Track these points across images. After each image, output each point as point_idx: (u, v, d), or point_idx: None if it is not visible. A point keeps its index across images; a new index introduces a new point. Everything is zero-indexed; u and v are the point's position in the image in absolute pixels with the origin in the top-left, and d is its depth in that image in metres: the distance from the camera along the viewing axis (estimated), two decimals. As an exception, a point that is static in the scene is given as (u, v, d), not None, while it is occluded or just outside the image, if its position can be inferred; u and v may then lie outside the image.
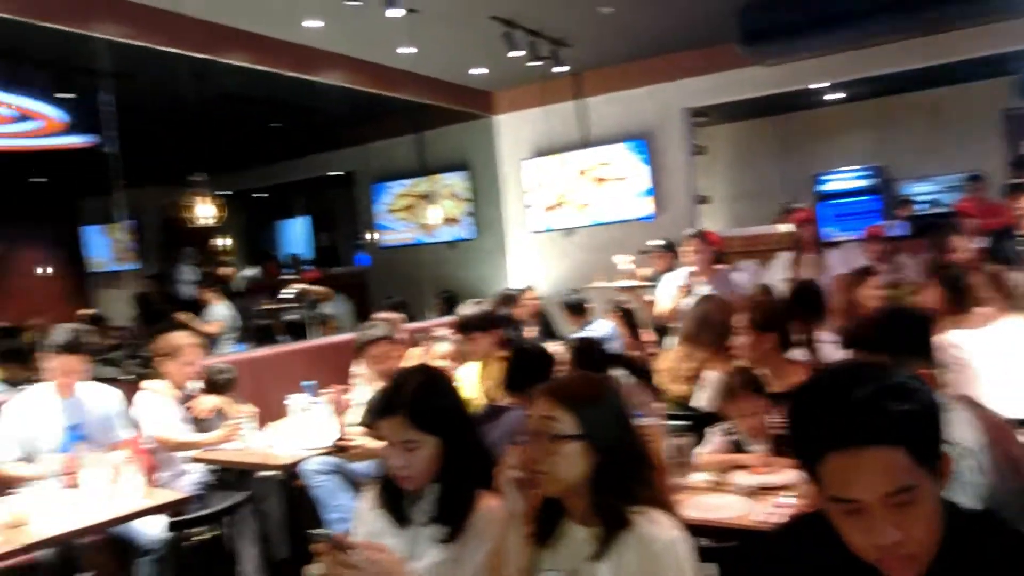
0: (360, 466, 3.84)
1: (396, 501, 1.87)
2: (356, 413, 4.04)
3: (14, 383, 4.60)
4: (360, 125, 9.02)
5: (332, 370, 5.04)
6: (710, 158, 9.15)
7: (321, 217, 13.61)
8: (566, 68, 6.94)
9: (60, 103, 6.79)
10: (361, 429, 3.82)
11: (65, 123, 7.15)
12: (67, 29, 4.59)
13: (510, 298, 6.35)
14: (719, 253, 5.61)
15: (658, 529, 1.57)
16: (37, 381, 3.93)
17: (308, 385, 4.36)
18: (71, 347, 3.65)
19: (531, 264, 8.47)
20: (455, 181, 8.89)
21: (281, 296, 7.78)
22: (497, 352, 4.20)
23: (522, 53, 6.20)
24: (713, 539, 2.38)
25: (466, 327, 4.26)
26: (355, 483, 3.86)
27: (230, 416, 4.25)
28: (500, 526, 1.72)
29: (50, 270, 12.50)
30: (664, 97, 7.74)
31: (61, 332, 3.72)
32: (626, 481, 1.61)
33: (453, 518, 1.79)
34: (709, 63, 7.35)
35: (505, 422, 2.76)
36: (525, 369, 3.12)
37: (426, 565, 1.77)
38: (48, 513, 3.03)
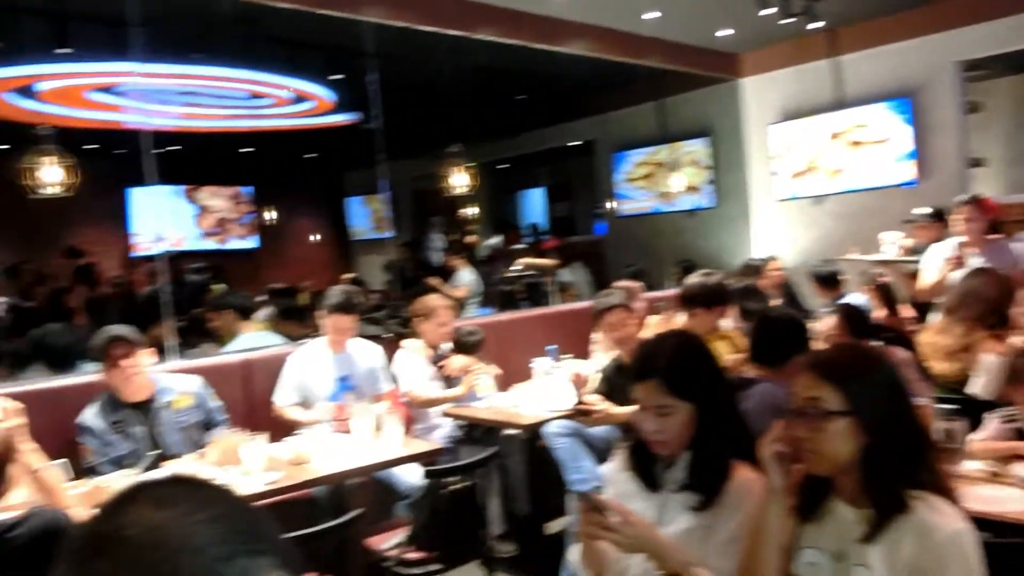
0: (598, 431, 3.89)
1: (647, 465, 1.87)
2: (594, 379, 4.09)
3: (293, 338, 5.11)
4: (601, 94, 9.03)
5: (571, 336, 5.14)
6: (985, 116, 8.17)
7: (559, 187, 13.84)
8: (820, 24, 6.48)
9: (330, 84, 7.40)
10: (597, 397, 3.86)
11: (333, 103, 7.79)
12: (338, 15, 4.98)
13: (753, 268, 6.11)
14: (995, 222, 5.01)
15: (940, 518, 1.44)
16: (312, 337, 4.37)
17: (551, 349, 4.48)
18: (344, 307, 4.02)
19: (776, 233, 8.08)
20: (696, 148, 8.66)
21: (510, 272, 8.03)
22: (723, 329, 4.05)
23: (773, 11, 5.87)
24: (992, 534, 2.15)
25: (688, 301, 4.08)
26: (593, 447, 3.92)
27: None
28: (756, 498, 1.67)
29: (319, 238, 13.79)
30: (932, 50, 7.00)
31: (335, 293, 4.10)
32: (902, 462, 1.49)
33: (706, 486, 1.76)
34: (986, 9, 6.54)
35: (754, 395, 2.66)
36: (772, 339, 2.95)
37: (676, 531, 1.76)
38: (323, 454, 3.37)
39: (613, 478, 1.96)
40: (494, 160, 12.02)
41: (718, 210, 8.54)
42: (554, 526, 4.38)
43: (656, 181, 9.03)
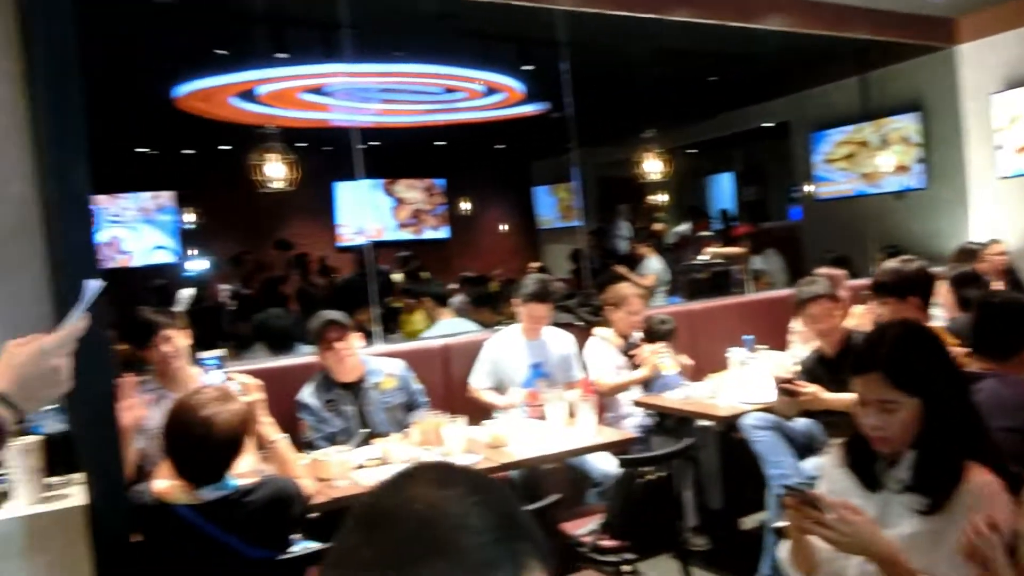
0: (800, 424, 3.72)
1: (866, 462, 1.75)
2: (791, 371, 3.91)
3: (485, 325, 5.26)
4: (798, 71, 8.57)
5: (765, 326, 4.94)
6: None
7: (749, 170, 13.34)
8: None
9: (521, 75, 7.52)
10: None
11: (523, 93, 7.92)
12: (533, 5, 5.03)
13: (971, 252, 5.59)
14: None
15: None
16: (504, 324, 4.48)
17: (747, 339, 4.33)
18: (540, 295, 4.09)
19: (997, 214, 7.35)
20: (905, 124, 8.03)
21: (696, 261, 7.82)
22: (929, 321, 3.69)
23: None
24: None
25: (880, 289, 3.71)
26: (794, 441, 3.75)
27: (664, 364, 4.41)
28: (993, 503, 1.52)
29: (507, 227, 14.10)
30: None
31: (530, 282, 4.18)
32: None
33: (934, 488, 1.62)
34: None
35: (980, 391, 2.43)
36: (999, 328, 2.58)
37: (898, 536, 1.64)
38: (519, 439, 3.45)
39: (828, 474, 1.86)
40: (682, 145, 11.76)
41: (930, 191, 7.88)
42: (749, 521, 4.25)
43: (859, 161, 8.47)
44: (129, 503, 2.22)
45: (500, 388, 4.15)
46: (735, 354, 4.20)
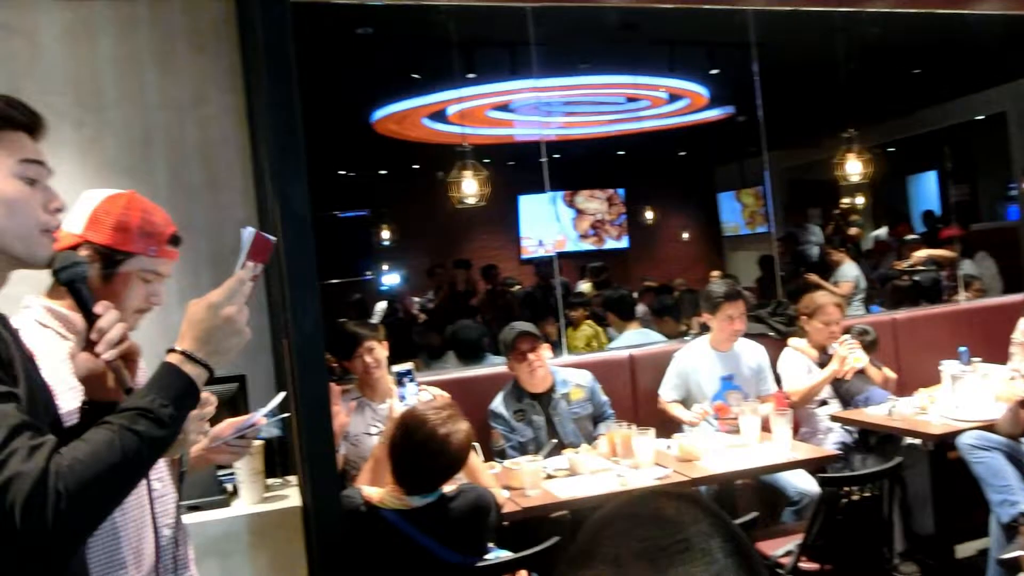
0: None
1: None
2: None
3: (668, 336, 5.18)
4: (1013, 58, 7.83)
5: (978, 337, 4.55)
6: None
7: (957, 168, 12.30)
8: None
9: (706, 79, 7.38)
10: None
11: (707, 98, 7.77)
12: (721, 7, 4.92)
13: None
14: None
15: None
16: (687, 334, 4.39)
17: (962, 351, 4.00)
18: (735, 294, 4.00)
19: None
20: None
21: (904, 266, 7.29)
22: None
23: None
24: None
25: None
26: (1020, 464, 3.42)
27: (873, 379, 4.16)
28: None
29: (688, 235, 13.84)
30: None
31: (719, 285, 4.10)
32: None
33: None
34: None
35: None
36: None
37: None
38: (711, 452, 3.36)
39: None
40: (880, 143, 11.05)
41: None
42: (964, 549, 3.92)
43: (1089, 153, 7.61)
44: (340, 505, 2.38)
45: (689, 401, 4.08)
46: (948, 367, 3.89)
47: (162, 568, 1.56)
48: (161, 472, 1.62)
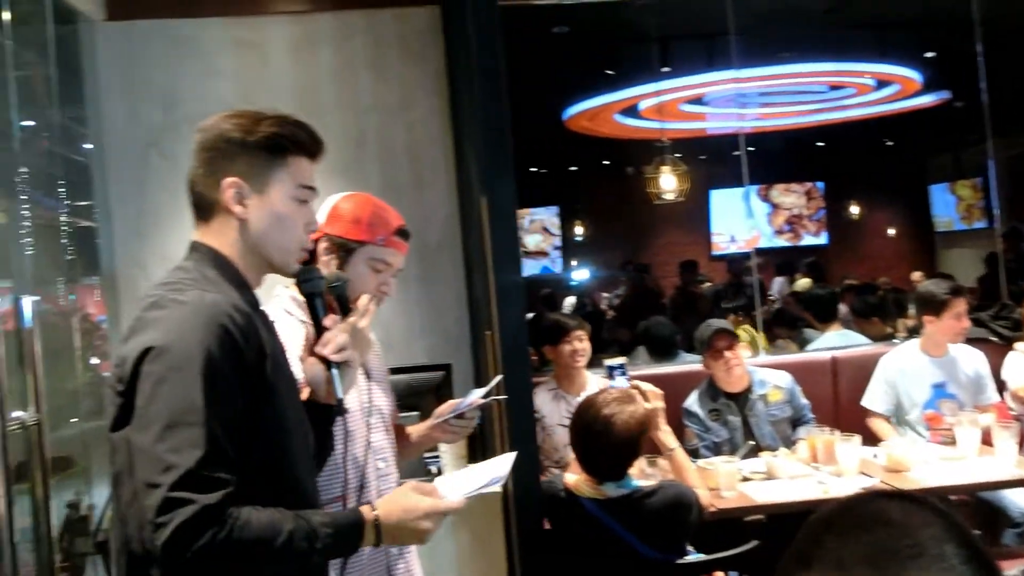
0: None
1: None
2: None
3: (873, 338, 4.86)
4: None
5: None
6: None
7: None
8: None
9: (919, 63, 6.89)
10: None
11: (920, 83, 7.24)
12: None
13: None
14: None
15: None
16: (893, 336, 4.11)
17: None
18: (957, 290, 3.72)
19: None
20: None
21: None
22: None
23: None
24: None
25: None
26: None
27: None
28: None
29: (894, 230, 12.96)
30: None
31: (934, 283, 3.82)
32: None
33: None
34: None
35: None
36: None
37: None
38: (923, 464, 3.15)
39: None
40: None
41: None
42: None
43: None
44: (540, 490, 2.46)
45: (897, 410, 3.82)
46: None
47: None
48: (386, 453, 1.75)
